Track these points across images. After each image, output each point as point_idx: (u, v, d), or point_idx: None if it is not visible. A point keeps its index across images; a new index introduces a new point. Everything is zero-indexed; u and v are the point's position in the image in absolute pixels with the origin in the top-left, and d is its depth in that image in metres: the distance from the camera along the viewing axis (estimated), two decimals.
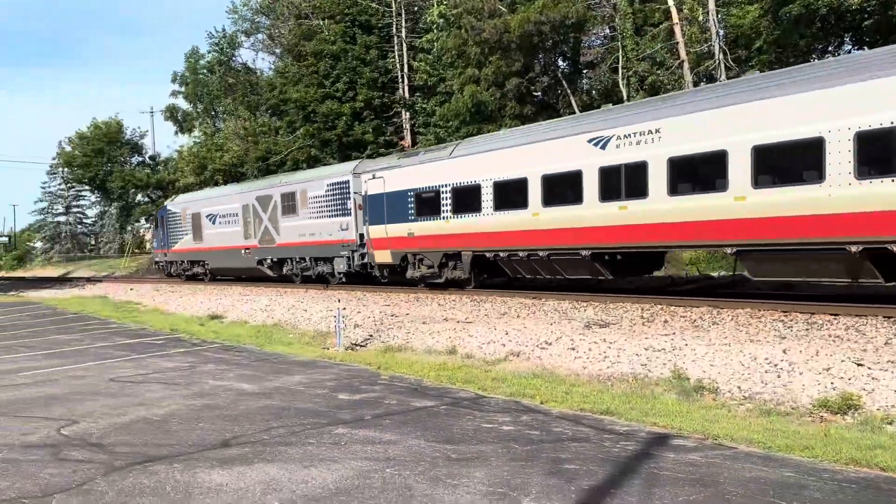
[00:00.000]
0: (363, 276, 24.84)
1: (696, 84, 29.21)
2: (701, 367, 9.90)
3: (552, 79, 35.90)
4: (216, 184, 47.01)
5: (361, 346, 14.57)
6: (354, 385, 10.43)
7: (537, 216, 17.52)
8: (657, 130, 14.86)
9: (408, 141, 41.96)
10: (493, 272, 20.51)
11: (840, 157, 12.06)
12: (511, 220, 18.21)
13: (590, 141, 16.16)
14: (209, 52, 59.16)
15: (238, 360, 13.35)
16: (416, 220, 21.10)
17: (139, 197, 61.79)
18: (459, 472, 6.20)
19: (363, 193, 23.38)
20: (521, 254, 18.15)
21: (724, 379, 9.43)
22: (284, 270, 28.55)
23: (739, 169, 13.40)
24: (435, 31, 38.92)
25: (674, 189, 14.61)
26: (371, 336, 15.23)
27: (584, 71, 37.78)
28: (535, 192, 17.54)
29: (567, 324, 13.81)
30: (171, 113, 62.70)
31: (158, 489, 5.92)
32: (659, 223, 14.87)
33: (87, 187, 70.75)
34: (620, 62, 32.49)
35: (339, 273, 25.47)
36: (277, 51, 55.14)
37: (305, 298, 22.02)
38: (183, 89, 60.86)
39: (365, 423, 8.10)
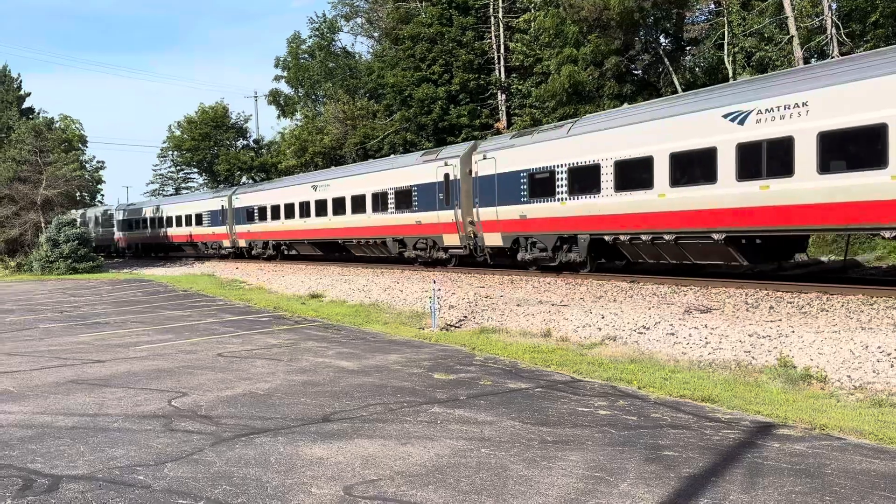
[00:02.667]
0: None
1: (806, 61, 27.83)
2: (808, 355, 9.52)
3: (653, 57, 34.90)
4: (316, 166, 48.35)
5: (456, 326, 14.69)
6: (449, 365, 10.54)
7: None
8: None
9: (503, 123, 41.72)
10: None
11: None
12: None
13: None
14: (310, 37, 60.47)
15: (337, 338, 13.70)
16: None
17: (244, 179, 63.78)
18: (555, 455, 6.19)
19: (120, 218, 56.14)
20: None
21: (832, 367, 9.04)
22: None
23: None
24: (532, 10, 38.45)
25: None
26: (465, 317, 15.33)
27: (688, 48, 36.57)
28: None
29: (666, 308, 13.52)
30: (274, 97, 64.36)
31: (263, 461, 6.16)
32: None
33: (195, 170, 73.48)
34: (726, 38, 31.25)
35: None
36: (375, 34, 55.80)
37: (401, 279, 22.34)
38: (285, 74, 62.40)
39: (460, 402, 8.18)
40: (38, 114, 58.27)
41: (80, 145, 63.38)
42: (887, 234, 13.29)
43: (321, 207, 32.13)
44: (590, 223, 18.91)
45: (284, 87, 63.75)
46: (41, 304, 22.31)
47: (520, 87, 41.19)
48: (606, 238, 18.65)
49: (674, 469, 5.78)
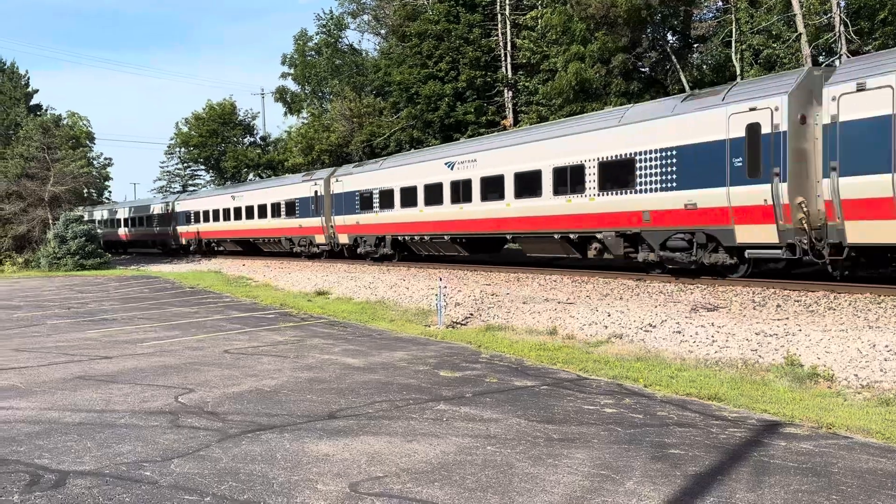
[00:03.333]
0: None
1: (814, 59, 27.70)
2: (815, 354, 9.49)
3: (661, 54, 34.83)
4: (323, 164, 48.40)
5: (462, 324, 14.69)
6: (455, 363, 10.54)
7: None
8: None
9: (510, 120, 41.68)
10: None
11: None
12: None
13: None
14: (317, 34, 60.48)
15: (343, 335, 13.71)
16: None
17: (251, 176, 63.81)
18: (560, 453, 6.18)
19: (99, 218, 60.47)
20: None
21: (840, 366, 9.01)
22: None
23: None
24: (539, 7, 38.40)
25: None
26: (471, 315, 15.33)
27: (695, 45, 36.47)
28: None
29: (673, 306, 13.49)
30: (281, 94, 64.40)
31: (269, 457, 6.17)
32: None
33: (202, 167, 73.51)
34: (734, 36, 31.16)
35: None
36: (382, 31, 55.80)
37: (407, 276, 22.35)
38: (292, 71, 62.43)
39: (466, 400, 8.18)
40: (46, 110, 58.41)
41: (87, 142, 63.55)
42: (509, 237, 22.58)
43: (238, 213, 40.41)
44: (391, 228, 27.70)
45: (291, 85, 63.85)
46: (49, 300, 22.40)
47: (527, 84, 41.16)
48: (400, 238, 27.43)
49: (680, 467, 5.77)
